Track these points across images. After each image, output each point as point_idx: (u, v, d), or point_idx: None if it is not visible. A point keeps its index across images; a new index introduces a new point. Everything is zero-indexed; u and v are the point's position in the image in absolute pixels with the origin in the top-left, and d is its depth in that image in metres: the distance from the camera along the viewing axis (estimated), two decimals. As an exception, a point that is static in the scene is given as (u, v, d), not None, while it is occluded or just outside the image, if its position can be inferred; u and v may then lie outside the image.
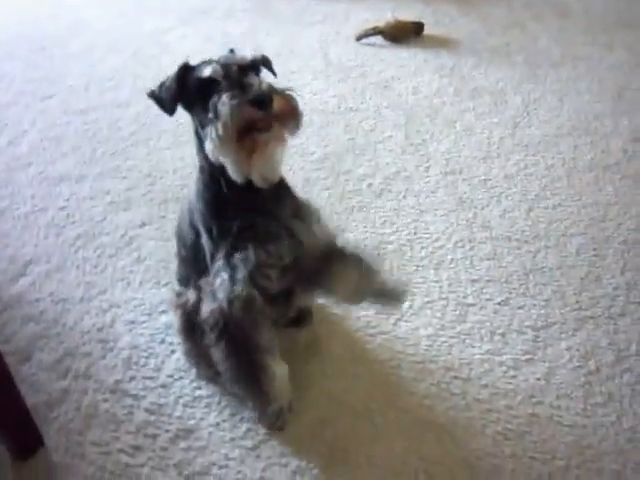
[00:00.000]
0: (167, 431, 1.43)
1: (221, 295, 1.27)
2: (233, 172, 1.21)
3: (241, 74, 1.19)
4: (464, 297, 1.74)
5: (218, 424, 1.44)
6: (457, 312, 1.70)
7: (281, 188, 1.33)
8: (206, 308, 1.31)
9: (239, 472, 1.35)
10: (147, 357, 1.59)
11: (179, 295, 1.49)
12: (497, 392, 1.52)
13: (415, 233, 1.94)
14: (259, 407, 1.40)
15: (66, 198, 2.11)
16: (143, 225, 1.98)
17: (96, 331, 1.66)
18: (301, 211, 1.36)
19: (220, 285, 1.28)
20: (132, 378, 1.54)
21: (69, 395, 1.51)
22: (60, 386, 1.53)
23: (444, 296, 1.74)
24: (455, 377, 1.54)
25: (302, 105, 1.22)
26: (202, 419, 1.45)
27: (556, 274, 1.82)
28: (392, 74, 2.81)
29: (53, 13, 3.47)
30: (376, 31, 3.08)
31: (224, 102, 1.14)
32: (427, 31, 3.15)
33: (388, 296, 1.48)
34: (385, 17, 3.14)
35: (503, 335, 1.64)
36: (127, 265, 1.85)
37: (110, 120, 2.50)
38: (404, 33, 3.09)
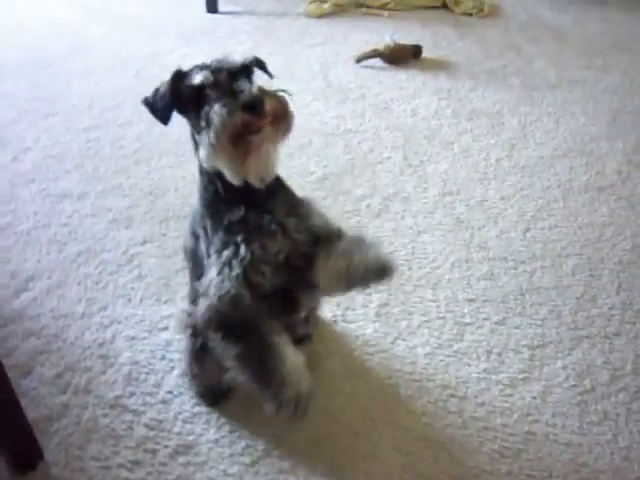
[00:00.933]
0: (166, 447, 1.44)
1: (212, 291, 1.25)
2: (230, 176, 1.24)
3: (232, 79, 1.21)
4: (461, 316, 1.76)
5: (217, 440, 1.45)
6: (454, 331, 1.72)
7: (276, 186, 1.33)
8: (200, 307, 1.28)
9: (238, 488, 1.36)
10: (147, 373, 1.60)
11: (190, 315, 1.50)
12: (494, 410, 1.53)
13: (413, 253, 1.97)
14: (273, 393, 1.30)
15: (68, 215, 2.13)
16: (144, 242, 2.00)
17: (97, 347, 1.67)
18: (297, 208, 1.35)
19: (210, 282, 1.26)
20: (132, 394, 1.55)
21: (69, 410, 1.52)
22: (60, 401, 1.55)
23: (441, 315, 1.76)
24: (452, 395, 1.56)
25: (292, 109, 1.23)
26: (201, 435, 1.46)
27: (552, 294, 1.84)
28: (391, 96, 2.85)
29: (57, 33, 3.51)
30: (375, 53, 3.12)
31: (215, 111, 1.16)
32: (425, 54, 3.19)
33: (376, 272, 1.33)
34: (384, 40, 3.18)
35: (500, 354, 1.66)
36: (128, 282, 1.86)
37: (112, 138, 2.53)
38: (403, 56, 3.14)
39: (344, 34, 3.49)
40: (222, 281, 1.24)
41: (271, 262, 1.28)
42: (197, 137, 1.24)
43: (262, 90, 1.19)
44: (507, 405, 1.54)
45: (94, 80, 2.98)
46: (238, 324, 1.26)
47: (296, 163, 2.34)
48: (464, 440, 1.46)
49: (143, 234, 2.03)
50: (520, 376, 1.61)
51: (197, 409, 1.51)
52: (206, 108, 1.19)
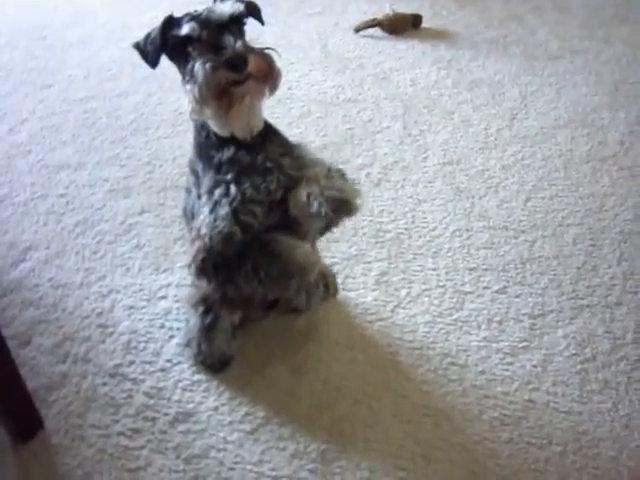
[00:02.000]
0: (166, 414, 1.44)
1: (204, 231, 1.24)
2: (215, 127, 1.26)
3: (219, 32, 1.19)
4: (461, 285, 1.76)
5: (217, 408, 1.45)
6: (454, 300, 1.71)
7: (269, 132, 1.33)
8: (194, 247, 1.27)
9: (237, 455, 1.36)
10: (146, 342, 1.59)
11: (197, 287, 1.49)
12: (494, 379, 1.53)
13: (413, 222, 1.95)
14: (299, 283, 1.29)
15: (65, 185, 2.11)
16: (142, 212, 1.98)
17: (95, 316, 1.67)
18: (292, 150, 1.35)
19: (202, 221, 1.25)
20: (131, 362, 1.55)
21: (69, 379, 1.52)
22: (60, 370, 1.54)
23: (442, 284, 1.76)
24: (452, 363, 1.56)
25: (278, 66, 1.23)
26: (201, 403, 1.46)
27: (553, 263, 1.83)
28: (390, 66, 2.82)
29: (52, 3, 3.45)
30: (374, 23, 3.08)
31: (198, 68, 1.16)
32: (425, 23, 3.15)
33: (338, 204, 1.26)
34: (383, 9, 3.14)
35: (500, 323, 1.66)
36: (126, 251, 1.85)
37: (109, 109, 2.50)
38: (402, 25, 3.09)
39: (343, 4, 3.44)
40: (214, 220, 1.23)
41: (264, 201, 1.27)
42: (184, 87, 1.24)
43: (247, 47, 1.18)
44: (507, 373, 1.54)
45: (90, 50, 2.94)
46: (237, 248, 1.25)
47: (295, 132, 2.31)
48: (464, 408, 1.46)
49: (141, 204, 2.02)
50: (520, 345, 1.61)
51: (196, 377, 1.51)
52: (191, 63, 1.19)
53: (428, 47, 2.98)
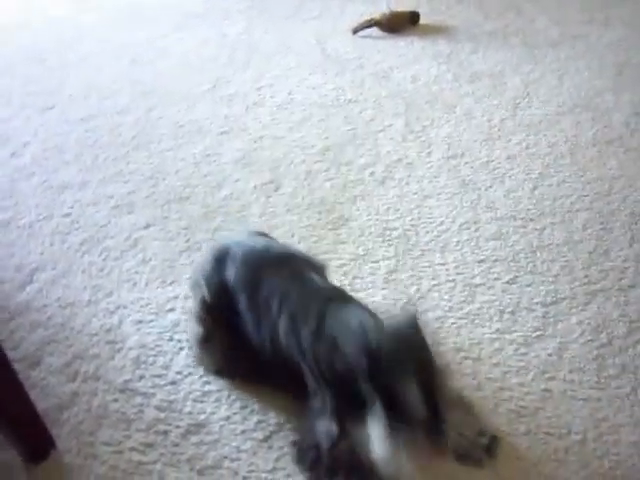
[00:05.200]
0: (178, 427, 1.42)
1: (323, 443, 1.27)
2: None
3: None
4: (471, 278, 1.73)
5: (229, 417, 1.43)
6: (465, 293, 1.69)
7: None
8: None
9: (251, 464, 1.34)
10: (155, 355, 1.58)
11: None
12: (509, 370, 1.50)
13: (419, 218, 1.93)
14: None
15: (70, 205, 2.11)
16: (147, 226, 1.98)
17: (104, 333, 1.66)
18: None
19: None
20: (141, 377, 1.54)
21: (79, 397, 1.51)
22: (70, 389, 1.53)
23: (451, 278, 1.73)
24: (465, 357, 1.53)
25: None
26: (212, 413, 1.44)
27: (563, 250, 1.80)
28: (390, 64, 2.80)
29: (49, 25, 3.47)
30: (372, 23, 3.07)
31: None
32: (423, 20, 3.13)
33: None
34: (380, 9, 3.13)
35: (512, 313, 1.63)
36: (132, 266, 1.84)
37: (111, 126, 2.51)
38: (400, 23, 3.08)
39: (340, 7, 3.43)
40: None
41: None
42: None
43: None
44: (522, 364, 1.51)
45: (89, 70, 2.96)
46: None
47: (297, 137, 2.30)
48: (480, 402, 1.43)
49: (145, 218, 2.01)
50: (534, 334, 1.58)
51: (207, 387, 1.49)
52: None
53: (427, 43, 2.97)
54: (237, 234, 1.57)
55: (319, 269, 1.54)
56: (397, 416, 1.13)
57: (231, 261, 1.44)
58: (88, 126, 2.53)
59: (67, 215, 2.07)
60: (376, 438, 1.17)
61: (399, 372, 1.13)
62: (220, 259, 1.46)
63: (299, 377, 1.33)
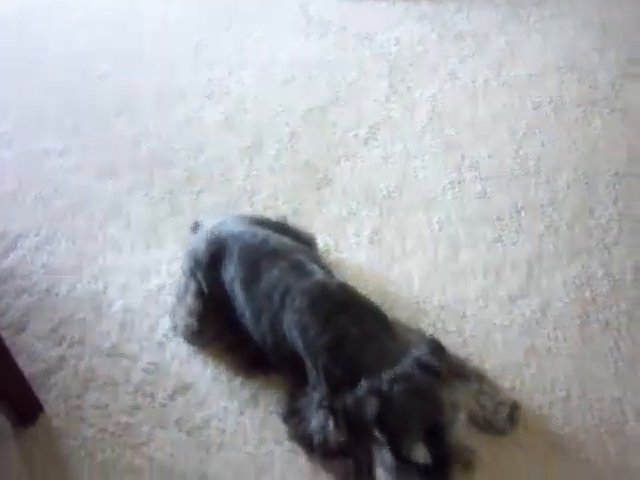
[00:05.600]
0: (165, 389, 1.43)
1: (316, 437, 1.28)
2: None
3: None
4: (456, 237, 1.73)
5: (215, 378, 1.44)
6: (450, 252, 1.69)
7: None
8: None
9: (239, 423, 1.36)
10: (141, 318, 1.59)
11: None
12: (493, 327, 1.51)
13: (403, 178, 1.92)
14: None
15: (52, 172, 2.08)
16: (130, 191, 1.97)
17: (89, 298, 1.66)
18: None
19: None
20: (127, 340, 1.54)
21: (66, 362, 1.52)
22: (56, 353, 1.54)
23: (435, 237, 1.73)
24: (450, 315, 1.54)
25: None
26: (199, 374, 1.45)
27: (548, 209, 1.81)
28: (373, 26, 2.76)
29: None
30: (355, -16, 3.02)
31: None
32: (407, -20, 3.09)
33: None
34: (363, -30, 3.07)
35: (497, 272, 1.64)
36: (116, 232, 1.84)
37: (91, 92, 2.47)
38: (383, -16, 3.04)
39: (322, -32, 3.37)
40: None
41: None
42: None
43: None
44: (507, 322, 1.53)
45: (68, 36, 2.89)
46: None
47: (280, 100, 2.28)
48: (465, 358, 1.44)
49: (129, 183, 2.00)
50: (519, 292, 1.59)
51: (193, 349, 1.50)
52: None
53: (411, 4, 2.92)
54: (232, 222, 1.53)
55: (309, 242, 1.56)
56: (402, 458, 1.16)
57: (228, 258, 1.44)
58: (68, 93, 2.48)
59: (49, 182, 2.05)
60: (380, 467, 1.20)
61: (407, 428, 1.14)
62: (216, 255, 1.46)
63: (300, 368, 1.33)
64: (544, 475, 1.30)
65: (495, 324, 1.52)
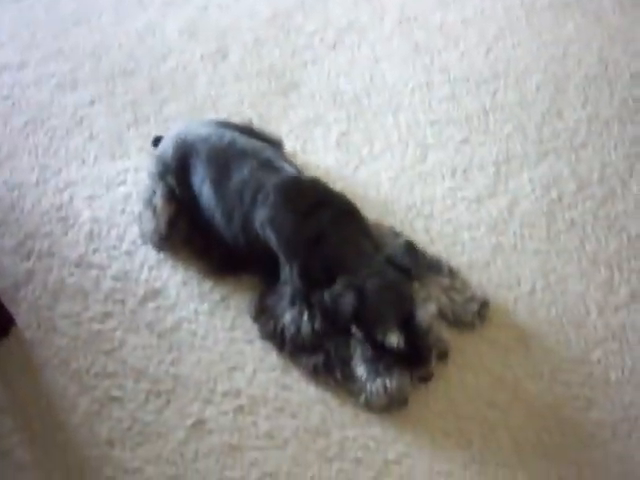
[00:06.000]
0: (135, 295, 1.44)
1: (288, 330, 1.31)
2: None
3: None
4: (424, 138, 1.72)
5: (185, 282, 1.44)
6: (417, 153, 1.69)
7: None
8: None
9: (209, 324, 1.37)
10: (109, 228, 1.57)
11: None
12: (460, 226, 1.53)
13: (371, 81, 1.89)
14: None
15: (10, 86, 2.01)
16: (92, 103, 1.91)
17: (55, 211, 1.63)
18: None
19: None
20: (95, 250, 1.53)
21: (35, 275, 1.51)
22: (25, 267, 1.53)
23: (404, 139, 1.72)
24: (418, 214, 1.55)
25: None
26: (168, 279, 1.45)
27: (516, 110, 1.80)
28: None
29: None
30: None
31: None
32: None
33: None
34: None
35: (464, 172, 1.64)
36: (80, 144, 1.80)
37: (47, 2, 2.36)
38: None
39: None
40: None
41: None
42: None
43: None
44: (474, 220, 1.54)
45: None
46: None
47: (243, 5, 2.19)
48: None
49: (90, 95, 1.94)
50: (486, 191, 1.60)
51: (162, 255, 1.50)
52: None
53: None
54: (198, 126, 1.52)
55: (276, 144, 1.55)
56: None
57: (196, 160, 1.43)
58: (22, 3, 2.38)
59: (7, 97, 1.98)
60: (359, 360, 1.25)
61: (381, 318, 1.21)
62: (184, 158, 1.44)
63: (272, 267, 1.35)
64: (507, 364, 1.34)
65: (462, 223, 1.53)
